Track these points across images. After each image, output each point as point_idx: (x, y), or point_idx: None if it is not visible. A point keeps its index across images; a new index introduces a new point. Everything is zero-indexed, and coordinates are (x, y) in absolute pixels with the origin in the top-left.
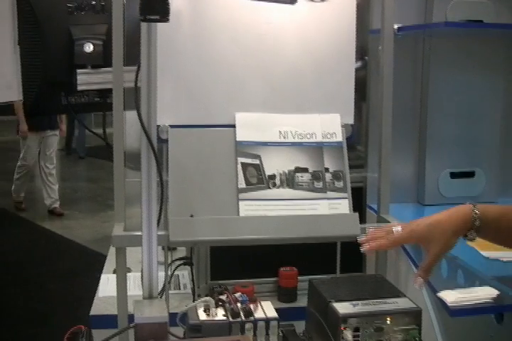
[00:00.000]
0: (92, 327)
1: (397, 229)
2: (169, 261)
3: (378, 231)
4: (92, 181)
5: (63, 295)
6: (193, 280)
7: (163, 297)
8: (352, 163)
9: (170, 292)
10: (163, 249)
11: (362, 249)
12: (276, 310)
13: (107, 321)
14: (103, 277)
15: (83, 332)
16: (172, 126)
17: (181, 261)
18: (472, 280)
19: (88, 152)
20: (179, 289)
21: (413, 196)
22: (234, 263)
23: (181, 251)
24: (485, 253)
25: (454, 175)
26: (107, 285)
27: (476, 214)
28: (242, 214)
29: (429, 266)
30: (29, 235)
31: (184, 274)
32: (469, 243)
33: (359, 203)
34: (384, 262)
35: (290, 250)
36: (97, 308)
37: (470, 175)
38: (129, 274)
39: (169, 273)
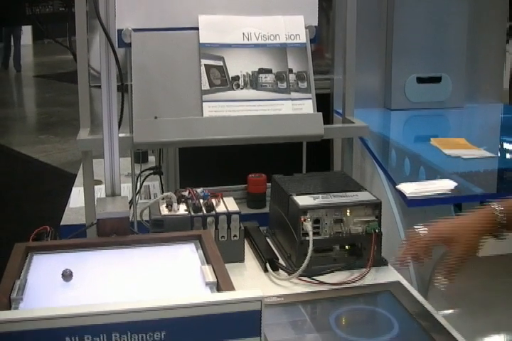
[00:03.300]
0: (63, 237)
1: (422, 230)
2: (139, 172)
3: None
4: (66, 106)
5: (40, 216)
6: (162, 189)
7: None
8: (320, 69)
9: (140, 201)
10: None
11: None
12: (246, 216)
13: (77, 230)
14: (74, 190)
15: (48, 232)
16: (135, 30)
17: (151, 171)
18: (433, 175)
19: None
20: (149, 198)
21: (380, 101)
22: (203, 170)
23: (153, 163)
24: (447, 152)
25: (420, 80)
26: (78, 196)
27: (497, 210)
28: (206, 115)
29: (453, 266)
30: (5, 160)
31: (155, 185)
32: (433, 142)
33: (326, 109)
34: (350, 163)
35: (259, 156)
36: (67, 218)
37: (437, 80)
38: (99, 186)
39: (139, 183)
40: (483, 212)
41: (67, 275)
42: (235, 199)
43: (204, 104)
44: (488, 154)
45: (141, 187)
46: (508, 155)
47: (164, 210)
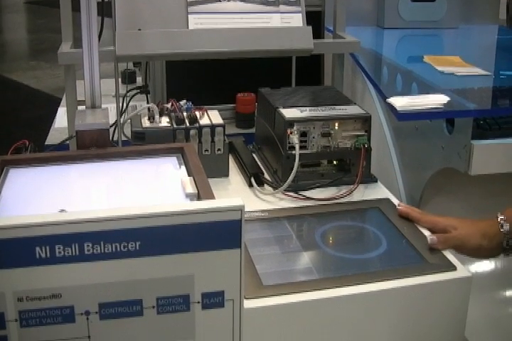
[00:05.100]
0: None
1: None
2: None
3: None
4: (58, 32)
5: (30, 141)
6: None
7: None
8: None
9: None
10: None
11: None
12: (234, 135)
13: (61, 150)
14: (60, 110)
15: (27, 146)
16: None
17: (137, 90)
18: (426, 91)
19: None
20: None
21: (373, 20)
22: (191, 90)
23: (141, 84)
24: (440, 68)
25: None
26: (64, 116)
27: (501, 218)
28: (191, 27)
29: (446, 243)
30: None
31: (143, 105)
32: (426, 60)
33: (317, 27)
34: (340, 80)
35: (249, 76)
36: (52, 138)
37: None
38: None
39: (125, 103)
40: (485, 219)
41: None
42: (223, 119)
43: (190, 15)
44: (483, 72)
45: (127, 106)
46: (503, 74)
47: (146, 122)
